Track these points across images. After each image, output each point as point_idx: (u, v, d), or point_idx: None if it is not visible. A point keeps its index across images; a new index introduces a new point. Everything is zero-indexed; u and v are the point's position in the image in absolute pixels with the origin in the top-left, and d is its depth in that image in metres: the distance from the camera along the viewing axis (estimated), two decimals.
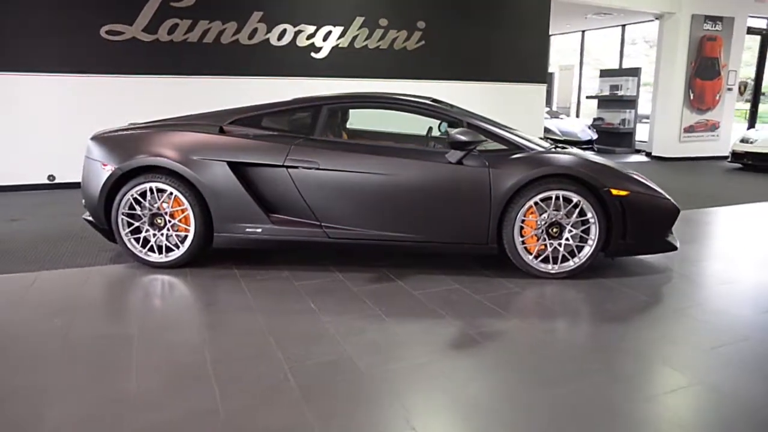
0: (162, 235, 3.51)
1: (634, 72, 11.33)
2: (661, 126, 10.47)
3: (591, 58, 15.85)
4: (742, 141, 9.15)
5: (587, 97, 13.34)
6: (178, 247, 3.51)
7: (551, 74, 15.13)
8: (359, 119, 4.27)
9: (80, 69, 6.48)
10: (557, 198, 3.30)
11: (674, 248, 3.56)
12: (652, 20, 10.74)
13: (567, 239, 3.37)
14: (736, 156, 9.14)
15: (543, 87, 9.29)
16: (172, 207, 3.47)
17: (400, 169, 3.36)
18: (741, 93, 11.15)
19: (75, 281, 3.36)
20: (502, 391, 2.16)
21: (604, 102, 12.01)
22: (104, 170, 3.48)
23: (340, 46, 7.60)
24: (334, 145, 3.56)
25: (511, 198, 3.30)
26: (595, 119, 12.20)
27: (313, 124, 3.62)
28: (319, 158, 3.39)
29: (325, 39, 7.50)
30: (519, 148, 3.50)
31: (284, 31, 7.26)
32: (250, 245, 3.52)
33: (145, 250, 3.52)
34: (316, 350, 2.46)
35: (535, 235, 3.37)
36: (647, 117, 11.34)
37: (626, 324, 2.84)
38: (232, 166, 3.41)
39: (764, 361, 2.42)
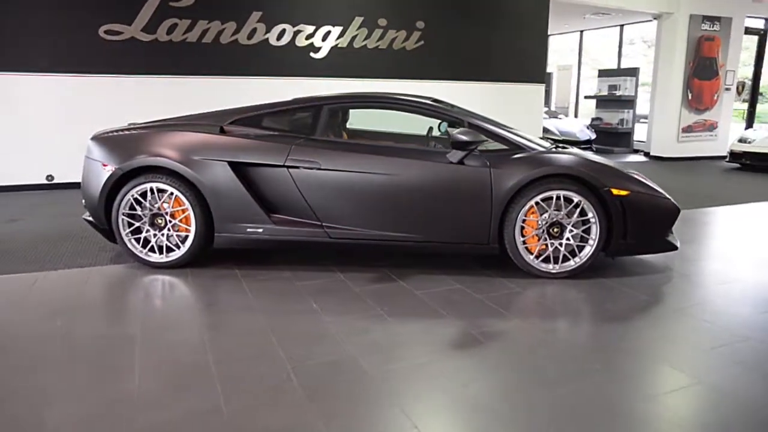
0: (162, 235, 3.50)
1: (633, 72, 11.35)
2: (660, 126, 10.50)
3: (589, 58, 15.88)
4: (740, 141, 9.18)
5: (585, 97, 13.36)
6: (178, 248, 3.51)
7: (549, 74, 15.14)
8: (360, 119, 4.27)
9: (79, 69, 6.47)
10: (558, 198, 3.31)
11: (674, 248, 3.57)
12: (651, 20, 10.76)
13: (568, 239, 3.37)
14: (734, 156, 9.16)
15: (542, 87, 9.30)
16: (172, 207, 3.47)
17: (402, 169, 3.37)
18: (739, 93, 11.17)
19: (76, 281, 3.36)
20: (504, 390, 2.17)
21: (603, 102, 12.03)
22: (105, 170, 3.47)
23: (339, 46, 7.60)
24: (335, 145, 3.56)
25: (513, 198, 3.31)
26: (593, 119, 12.22)
27: (314, 124, 3.62)
28: (320, 158, 3.39)
29: (324, 39, 7.50)
30: (520, 148, 3.51)
31: (283, 31, 7.26)
32: (250, 245, 3.51)
33: (145, 251, 3.52)
34: (319, 350, 2.47)
35: (536, 234, 3.37)
36: (645, 117, 11.35)
37: (627, 324, 2.85)
38: (233, 166, 3.41)
39: (764, 360, 2.43)
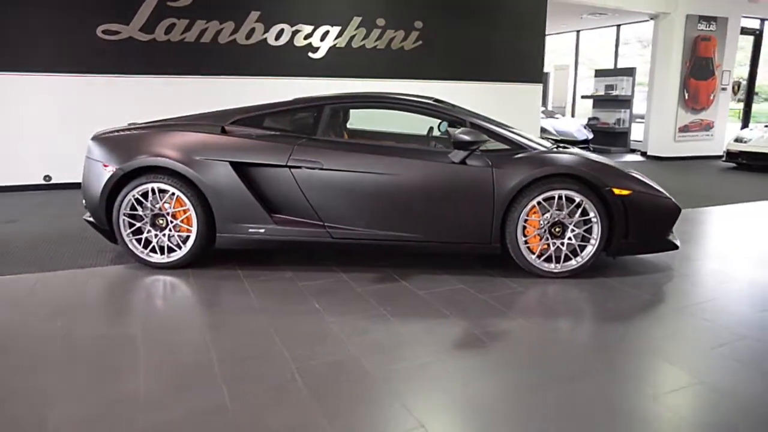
0: (164, 235, 3.49)
1: (629, 72, 11.39)
2: (656, 126, 10.54)
3: (585, 58, 15.92)
4: (737, 140, 9.22)
5: (582, 97, 13.40)
6: (180, 248, 3.50)
7: (546, 74, 15.17)
8: (360, 119, 4.26)
9: (76, 69, 6.44)
10: (560, 197, 3.32)
11: (675, 247, 3.58)
12: (647, 20, 10.80)
13: (569, 238, 3.38)
14: (730, 155, 9.21)
15: (539, 87, 9.32)
16: (174, 207, 3.45)
17: (404, 169, 3.37)
18: (734, 93, 11.23)
19: (77, 282, 3.34)
20: (508, 390, 2.17)
21: (600, 102, 12.07)
22: (105, 171, 3.46)
23: (337, 46, 7.59)
24: (337, 145, 3.55)
25: (514, 197, 3.31)
26: (590, 119, 12.25)
27: (316, 124, 3.61)
28: (323, 158, 3.39)
29: (322, 39, 7.50)
30: (521, 147, 3.51)
31: (282, 31, 7.25)
32: (252, 246, 3.51)
33: (146, 251, 3.51)
34: (322, 350, 2.46)
35: (538, 234, 3.38)
36: (642, 117, 11.40)
37: (628, 323, 2.86)
38: (235, 166, 3.40)
39: (763, 358, 2.44)
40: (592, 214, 3.34)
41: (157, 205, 3.46)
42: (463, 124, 3.57)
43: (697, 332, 2.74)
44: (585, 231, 3.38)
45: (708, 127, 10.71)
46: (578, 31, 14.28)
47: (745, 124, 11.90)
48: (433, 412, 2.04)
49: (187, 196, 3.41)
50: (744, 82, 11.77)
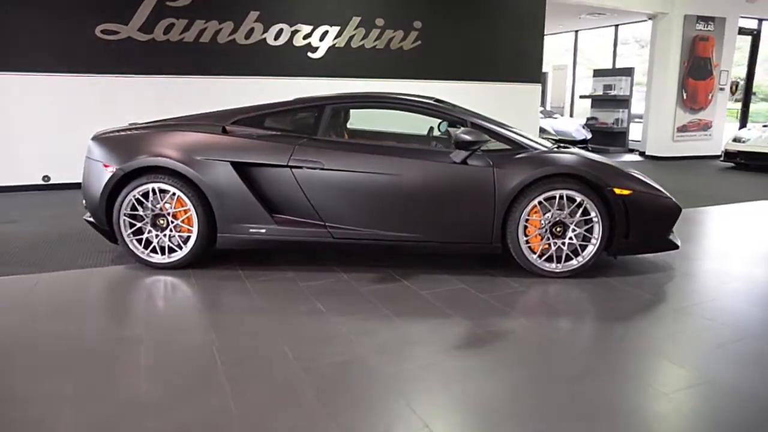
0: (165, 235, 3.48)
1: (628, 72, 11.41)
2: (655, 125, 10.56)
3: (583, 58, 15.93)
4: (735, 140, 9.24)
5: (581, 97, 13.42)
6: (180, 248, 3.49)
7: (545, 74, 15.17)
8: (361, 119, 4.26)
9: (75, 69, 6.42)
10: (561, 197, 3.32)
11: (676, 247, 3.59)
12: (645, 20, 10.82)
13: (571, 238, 3.39)
14: (728, 155, 9.23)
15: (538, 87, 9.33)
16: (174, 207, 3.45)
17: (405, 169, 3.36)
18: (732, 93, 11.26)
19: (78, 283, 3.33)
20: (513, 389, 2.17)
21: (598, 101, 12.09)
22: (106, 171, 3.45)
23: (336, 46, 7.59)
24: (338, 145, 3.55)
25: (516, 197, 3.31)
26: (588, 119, 12.27)
27: (317, 124, 3.61)
28: (324, 158, 3.39)
29: (321, 39, 7.49)
30: (522, 147, 3.51)
31: (281, 31, 7.24)
32: (253, 246, 3.50)
33: (147, 251, 3.50)
34: (327, 351, 2.46)
35: (539, 234, 3.38)
36: (640, 116, 11.42)
37: (630, 323, 2.86)
38: (236, 166, 3.39)
39: (764, 357, 2.45)
40: (593, 214, 3.34)
41: (158, 206, 3.45)
42: (464, 124, 3.57)
43: (698, 332, 2.74)
44: (586, 231, 3.39)
45: (706, 126, 10.74)
46: (576, 31, 14.30)
47: (743, 124, 11.93)
48: (438, 412, 2.04)
49: (187, 196, 3.41)
50: (742, 82, 11.80)
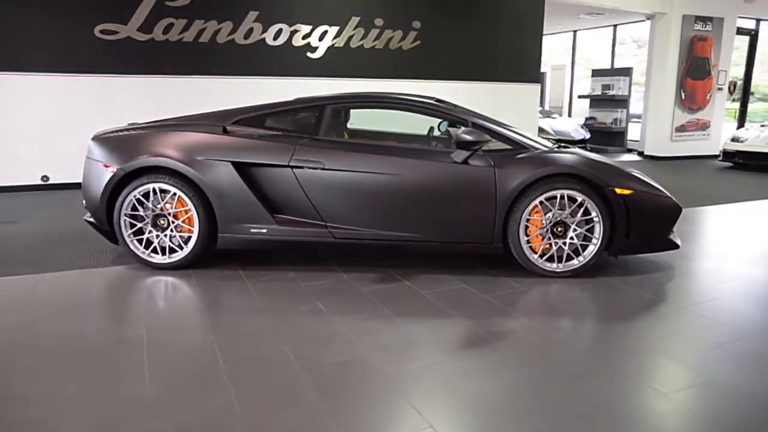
0: (165, 236, 3.48)
1: (626, 72, 11.43)
2: (653, 125, 10.58)
3: (582, 58, 15.95)
4: (733, 140, 9.27)
5: (579, 97, 13.44)
6: (181, 248, 3.49)
7: (543, 74, 15.19)
8: (362, 119, 4.26)
9: (74, 69, 6.41)
10: (562, 197, 3.32)
11: (676, 246, 3.60)
12: (644, 20, 10.84)
13: (572, 238, 3.39)
14: (726, 155, 9.25)
15: (537, 87, 9.34)
16: (175, 208, 3.44)
17: (406, 169, 3.37)
18: (730, 92, 11.28)
19: (78, 283, 3.33)
20: (514, 389, 2.17)
21: (596, 101, 12.10)
22: (106, 171, 3.44)
23: (335, 46, 7.59)
24: (339, 145, 3.55)
25: (517, 197, 3.32)
26: (587, 119, 12.29)
27: (318, 124, 3.61)
28: (325, 158, 3.39)
29: (320, 39, 7.49)
30: (523, 147, 3.52)
31: (280, 31, 7.24)
32: (254, 246, 3.50)
33: (148, 252, 3.49)
34: (328, 350, 2.46)
35: (540, 234, 3.38)
36: (639, 116, 11.44)
37: (630, 322, 2.87)
38: (237, 166, 3.39)
39: (764, 357, 2.46)
40: (594, 214, 3.35)
41: (159, 206, 3.45)
42: (465, 124, 3.57)
43: (698, 331, 2.75)
44: (587, 230, 3.39)
45: (704, 126, 10.76)
46: (575, 31, 14.32)
47: (741, 124, 11.96)
48: (439, 412, 2.04)
49: (188, 197, 3.40)
50: (740, 82, 11.82)
